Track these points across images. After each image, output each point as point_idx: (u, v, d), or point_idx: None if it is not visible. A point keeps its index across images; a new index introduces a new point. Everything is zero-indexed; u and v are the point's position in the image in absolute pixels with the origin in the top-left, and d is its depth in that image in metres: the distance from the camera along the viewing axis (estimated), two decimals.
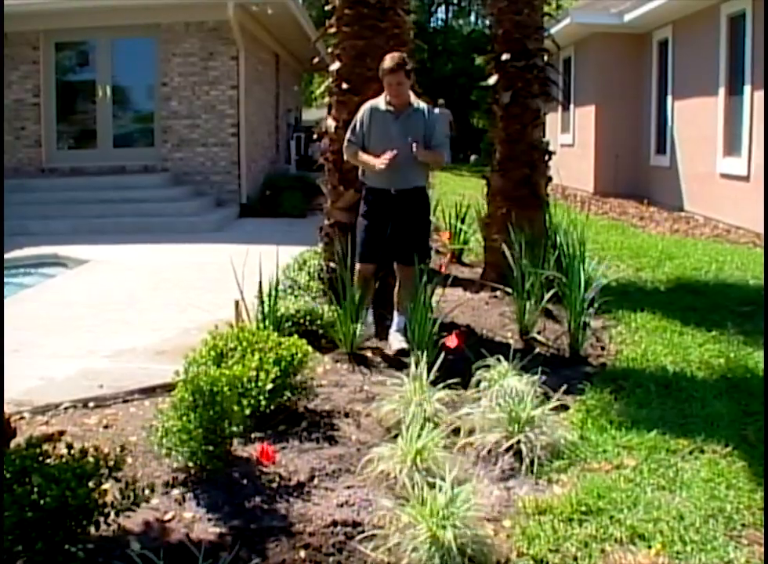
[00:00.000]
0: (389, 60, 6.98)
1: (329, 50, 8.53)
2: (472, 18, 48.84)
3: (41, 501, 3.66)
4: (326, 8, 8.52)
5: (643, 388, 6.16)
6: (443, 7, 47.45)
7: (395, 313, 7.27)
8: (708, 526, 4.15)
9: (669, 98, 17.89)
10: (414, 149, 6.92)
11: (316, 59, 12.22)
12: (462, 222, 11.32)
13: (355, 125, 7.27)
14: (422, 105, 7.24)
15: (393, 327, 7.23)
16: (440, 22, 47.21)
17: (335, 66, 8.11)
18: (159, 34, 17.49)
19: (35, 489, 3.70)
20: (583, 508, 4.33)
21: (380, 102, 7.19)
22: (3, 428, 4.49)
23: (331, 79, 8.22)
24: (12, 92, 17.65)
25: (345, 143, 7.35)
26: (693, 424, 5.47)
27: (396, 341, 7.02)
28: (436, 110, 7.50)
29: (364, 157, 7.18)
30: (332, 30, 8.24)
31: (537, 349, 6.89)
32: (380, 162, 6.90)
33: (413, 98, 7.22)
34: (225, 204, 17.25)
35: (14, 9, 16.54)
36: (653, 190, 18.52)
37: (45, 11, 16.75)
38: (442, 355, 6.03)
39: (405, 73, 6.99)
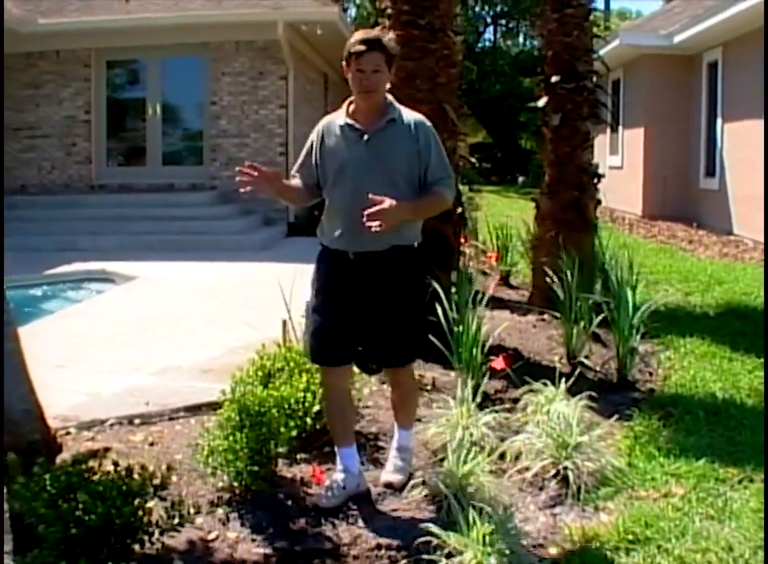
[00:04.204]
0: (358, 36, 4.57)
1: None
2: (521, 39, 48.97)
3: (87, 518, 3.66)
4: (376, 29, 8.53)
5: (691, 414, 6.08)
6: (491, 28, 47.55)
7: (395, 427, 5.18)
8: (758, 558, 4.07)
9: (719, 120, 17.76)
10: (385, 206, 4.31)
11: None
12: (509, 243, 11.30)
13: (305, 154, 4.83)
14: (408, 114, 4.71)
15: (392, 443, 5.14)
16: (487, 43, 47.32)
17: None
18: (209, 53, 17.68)
19: (80, 506, 3.70)
20: (630, 537, 4.28)
21: (338, 116, 4.71)
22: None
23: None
24: (64, 109, 17.93)
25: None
26: (742, 453, 5.38)
27: (386, 472, 4.99)
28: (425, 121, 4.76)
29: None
30: None
31: (585, 374, 6.83)
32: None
33: (390, 100, 4.70)
34: (272, 223, 17.31)
35: (67, 27, 16.92)
36: (702, 213, 18.37)
37: (97, 29, 17.05)
38: (488, 378, 6.02)
39: (385, 56, 4.51)
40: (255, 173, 4.48)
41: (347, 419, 4.96)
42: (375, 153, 4.56)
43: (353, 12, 44.41)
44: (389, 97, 4.70)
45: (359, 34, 4.57)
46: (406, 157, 4.59)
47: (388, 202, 4.31)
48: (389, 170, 4.56)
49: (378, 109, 4.62)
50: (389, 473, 4.94)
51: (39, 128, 18.06)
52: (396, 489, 4.81)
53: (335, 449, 4.91)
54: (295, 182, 4.80)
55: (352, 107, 4.67)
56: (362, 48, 4.46)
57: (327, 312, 4.72)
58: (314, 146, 4.74)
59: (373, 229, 4.27)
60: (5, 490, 4.26)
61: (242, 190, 4.52)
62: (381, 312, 4.67)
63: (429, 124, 4.73)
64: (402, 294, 4.71)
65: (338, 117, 4.68)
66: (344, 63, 4.60)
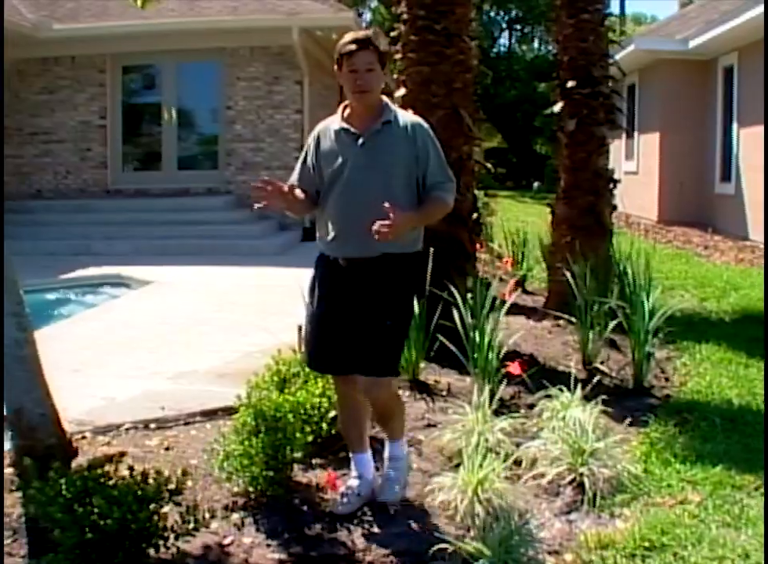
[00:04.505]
0: (347, 37, 4.45)
1: (394, 76, 8.53)
2: (536, 44, 49.00)
3: (102, 523, 3.66)
4: (391, 34, 8.54)
5: (707, 421, 6.05)
6: (506, 33, 47.59)
7: (385, 440, 4.98)
8: None
9: (735, 125, 17.69)
10: (390, 219, 4.15)
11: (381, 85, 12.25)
12: (525, 249, 11.29)
13: (301, 162, 4.74)
14: (405, 117, 4.63)
15: (384, 453, 4.91)
16: (503, 48, 47.37)
17: (400, 92, 8.11)
18: (224, 58, 17.73)
19: (96, 511, 3.71)
20: (646, 544, 4.25)
21: (333, 121, 4.61)
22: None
23: (396, 105, 8.19)
24: (79, 114, 18.02)
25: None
26: (758, 460, 5.32)
27: (383, 489, 4.75)
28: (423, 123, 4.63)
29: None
30: (398, 56, 8.24)
31: (601, 379, 6.79)
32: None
33: (385, 102, 4.59)
34: (288, 228, 17.29)
35: (82, 32, 16.99)
36: (718, 219, 18.30)
37: (112, 35, 17.07)
38: (504, 384, 6.00)
39: (376, 55, 4.41)
40: (269, 187, 4.37)
41: (361, 426, 4.84)
42: (371, 156, 4.44)
43: (367, 16, 44.58)
44: (385, 99, 4.58)
45: (348, 35, 4.45)
46: (403, 160, 4.45)
47: (399, 216, 4.17)
48: (385, 173, 4.44)
49: (374, 110, 4.49)
50: (381, 490, 4.74)
51: (55, 133, 18.14)
52: (393, 506, 4.63)
53: (350, 455, 4.86)
54: (297, 193, 4.60)
55: (347, 111, 4.55)
56: (353, 47, 4.35)
57: (319, 318, 4.64)
58: (311, 152, 4.64)
59: (378, 239, 4.16)
60: (9, 495, 4.28)
61: (257, 206, 4.41)
62: (365, 317, 4.49)
63: (426, 126, 4.61)
64: (387, 301, 4.50)
65: (334, 122, 4.58)
66: (336, 67, 4.48)
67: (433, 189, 4.49)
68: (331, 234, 4.53)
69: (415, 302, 4.91)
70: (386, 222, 4.14)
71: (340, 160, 4.47)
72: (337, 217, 4.51)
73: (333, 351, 4.62)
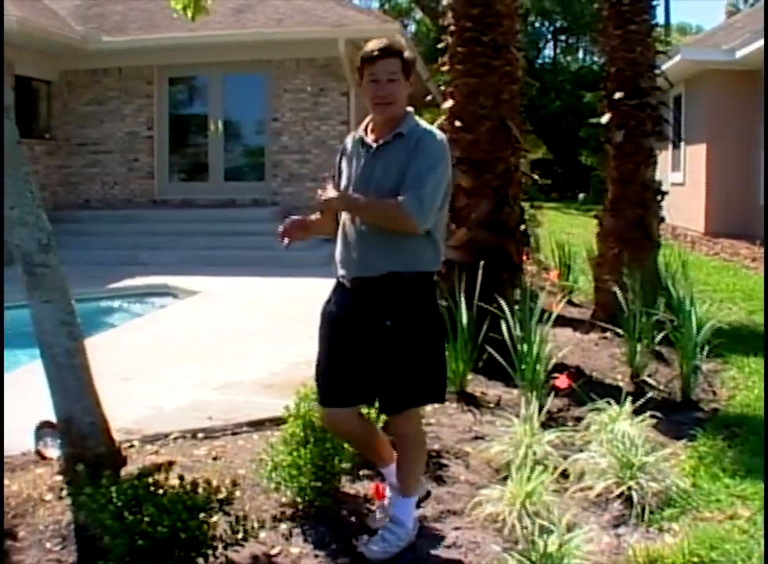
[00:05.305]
0: (371, 44, 4.19)
1: (441, 88, 8.54)
2: (581, 54, 48.86)
3: (152, 531, 3.68)
4: (439, 46, 8.56)
5: (757, 435, 5.97)
6: (551, 44, 47.52)
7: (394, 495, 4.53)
8: None
9: None
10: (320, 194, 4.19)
11: (428, 97, 12.30)
12: (571, 261, 11.25)
13: (331, 175, 4.57)
14: (420, 128, 4.24)
15: (390, 508, 4.48)
16: (547, 59, 47.28)
17: (448, 104, 8.11)
18: (270, 70, 17.83)
19: (146, 519, 3.73)
20: (695, 559, 4.19)
21: (359, 130, 4.39)
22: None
23: (443, 117, 8.21)
24: (126, 125, 18.24)
25: None
26: None
27: (368, 541, 4.32)
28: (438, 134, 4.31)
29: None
30: (445, 67, 8.25)
31: (648, 393, 6.74)
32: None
33: (409, 113, 4.27)
34: (335, 239, 17.29)
35: (130, 44, 17.21)
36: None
37: (159, 47, 17.27)
38: (552, 396, 5.98)
39: (401, 63, 4.14)
40: (289, 226, 4.31)
41: (372, 448, 4.66)
42: (371, 169, 4.17)
43: (412, 28, 44.68)
44: (410, 109, 4.26)
45: (371, 43, 4.18)
46: (397, 173, 4.09)
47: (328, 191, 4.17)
48: (380, 188, 4.11)
49: (393, 122, 4.18)
50: (366, 541, 4.34)
51: (102, 144, 18.38)
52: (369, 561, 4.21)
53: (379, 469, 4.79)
54: (317, 216, 4.50)
55: (370, 124, 4.31)
56: (374, 54, 4.10)
57: (327, 347, 4.47)
58: (336, 165, 4.46)
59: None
60: (59, 502, 4.32)
61: (285, 247, 4.35)
62: (377, 348, 4.20)
63: (439, 139, 4.26)
64: (399, 328, 4.16)
65: (358, 131, 4.35)
66: (358, 76, 4.27)
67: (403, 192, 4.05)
68: (336, 252, 4.39)
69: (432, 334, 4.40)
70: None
71: (351, 171, 4.29)
72: (341, 232, 4.36)
73: (343, 381, 4.36)
